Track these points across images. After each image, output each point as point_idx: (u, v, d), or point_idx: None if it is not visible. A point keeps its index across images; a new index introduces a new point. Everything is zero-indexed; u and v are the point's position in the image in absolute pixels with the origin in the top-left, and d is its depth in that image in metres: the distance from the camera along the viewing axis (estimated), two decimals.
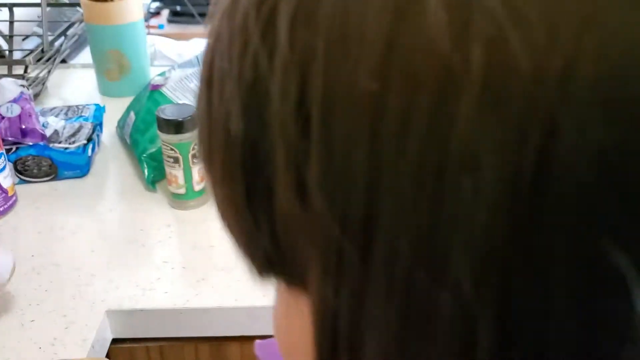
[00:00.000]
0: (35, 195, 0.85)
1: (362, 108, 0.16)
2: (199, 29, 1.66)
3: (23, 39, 1.24)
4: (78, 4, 1.32)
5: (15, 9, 1.23)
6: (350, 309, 0.18)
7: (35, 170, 0.87)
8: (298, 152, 0.17)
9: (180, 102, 0.86)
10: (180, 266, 0.71)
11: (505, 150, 0.15)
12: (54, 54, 1.14)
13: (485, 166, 0.15)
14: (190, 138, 0.77)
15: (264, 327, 0.64)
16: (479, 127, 0.15)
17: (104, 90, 1.13)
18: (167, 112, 0.77)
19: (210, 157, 0.21)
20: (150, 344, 0.68)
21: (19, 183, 0.86)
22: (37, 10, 1.30)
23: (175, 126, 0.76)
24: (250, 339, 0.52)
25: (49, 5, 1.32)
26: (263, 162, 0.18)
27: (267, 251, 0.20)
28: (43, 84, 1.11)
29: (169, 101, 0.86)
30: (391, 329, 0.18)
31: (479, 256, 0.15)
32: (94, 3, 1.06)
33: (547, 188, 0.15)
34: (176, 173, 0.78)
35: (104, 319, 0.64)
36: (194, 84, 0.90)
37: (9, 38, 1.21)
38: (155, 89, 0.89)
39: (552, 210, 0.15)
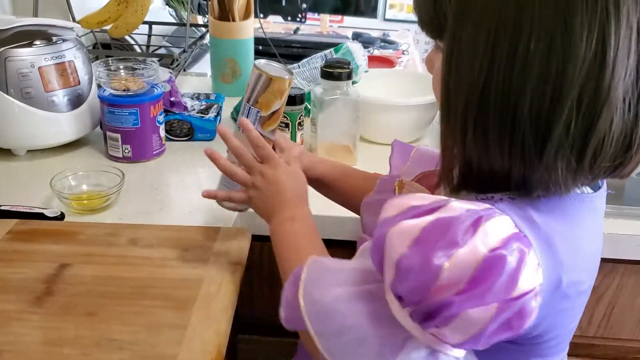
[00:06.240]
0: (177, 149, 1.15)
1: None
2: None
3: (154, 50, 1.59)
4: (199, 25, 1.68)
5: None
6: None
7: (178, 131, 1.18)
8: None
9: None
10: None
11: None
12: (182, 62, 1.48)
13: None
14: (298, 110, 1.07)
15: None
16: None
17: (217, 90, 1.44)
18: None
19: None
20: (263, 242, 0.96)
21: (166, 140, 1.16)
22: (166, 28, 1.66)
23: (290, 100, 1.06)
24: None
25: (175, 25, 1.68)
26: None
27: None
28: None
29: None
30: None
31: None
32: (220, 22, 1.40)
33: None
34: (285, 135, 1.08)
35: (237, 217, 0.93)
36: (297, 80, 1.21)
37: (147, 48, 1.55)
38: None
39: None
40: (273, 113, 0.75)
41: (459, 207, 0.50)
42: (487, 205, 0.51)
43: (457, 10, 0.52)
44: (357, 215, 0.84)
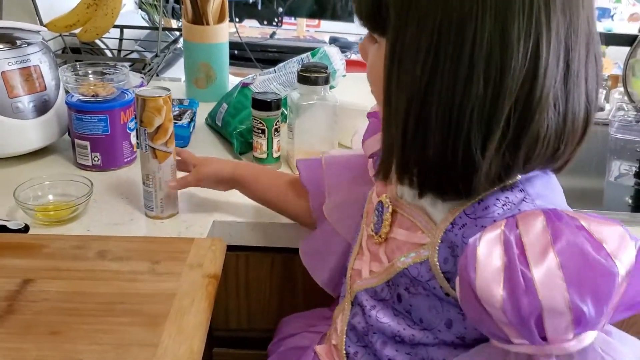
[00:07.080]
0: None
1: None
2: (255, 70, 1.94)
3: (126, 54, 1.55)
4: (173, 29, 1.64)
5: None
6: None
7: None
8: None
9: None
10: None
11: None
12: (155, 67, 1.44)
13: None
14: (274, 115, 1.04)
15: None
16: None
17: (191, 95, 1.40)
18: (260, 96, 1.05)
19: None
20: (239, 252, 0.93)
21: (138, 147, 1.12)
22: (138, 32, 1.62)
23: (266, 105, 1.03)
24: None
25: (147, 28, 1.64)
26: None
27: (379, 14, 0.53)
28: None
29: None
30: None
31: None
32: (193, 26, 1.36)
33: None
34: (261, 142, 1.05)
35: (212, 226, 0.90)
36: (273, 85, 1.18)
37: (118, 52, 1.51)
38: (245, 86, 1.17)
39: None
40: (158, 128, 0.85)
41: (539, 224, 0.50)
42: (547, 205, 0.53)
43: (401, 7, 0.52)
44: None
